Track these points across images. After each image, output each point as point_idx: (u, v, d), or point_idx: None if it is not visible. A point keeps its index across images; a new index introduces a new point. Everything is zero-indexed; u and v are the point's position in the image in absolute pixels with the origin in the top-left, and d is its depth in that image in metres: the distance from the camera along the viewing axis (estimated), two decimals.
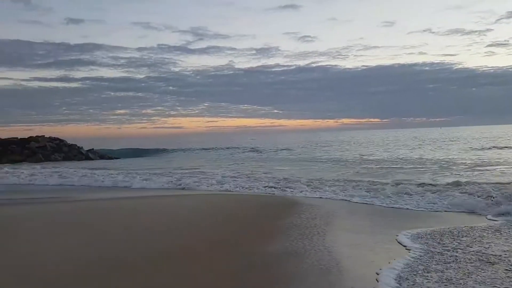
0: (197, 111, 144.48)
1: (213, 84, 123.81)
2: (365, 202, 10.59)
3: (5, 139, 38.67)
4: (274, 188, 13.65)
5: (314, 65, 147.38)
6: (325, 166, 22.55)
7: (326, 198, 11.50)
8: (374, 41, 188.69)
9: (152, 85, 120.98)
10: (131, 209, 10.04)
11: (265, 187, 13.98)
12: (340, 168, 20.70)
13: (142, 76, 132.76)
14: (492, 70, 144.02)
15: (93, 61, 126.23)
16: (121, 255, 5.65)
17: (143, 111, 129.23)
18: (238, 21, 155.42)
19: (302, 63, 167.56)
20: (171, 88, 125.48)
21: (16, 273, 4.90)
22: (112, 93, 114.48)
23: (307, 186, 13.52)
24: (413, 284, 4.42)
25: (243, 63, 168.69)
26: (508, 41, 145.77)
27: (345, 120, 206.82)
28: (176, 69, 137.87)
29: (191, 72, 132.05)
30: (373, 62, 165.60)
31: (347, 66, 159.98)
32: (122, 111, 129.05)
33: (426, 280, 4.53)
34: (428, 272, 4.80)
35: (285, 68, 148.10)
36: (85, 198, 12.50)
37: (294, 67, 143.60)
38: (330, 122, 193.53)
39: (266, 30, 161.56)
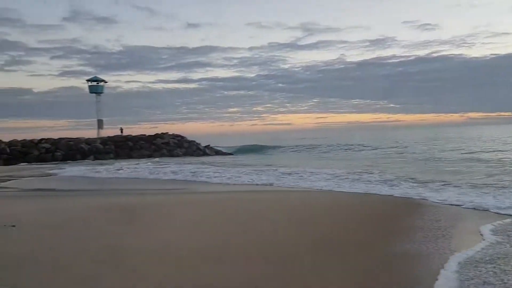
0: (306, 108, 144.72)
1: (322, 79, 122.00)
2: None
3: (135, 136, 43.18)
4: (392, 187, 12.69)
5: (435, 54, 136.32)
6: (458, 166, 18.32)
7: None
8: (503, 27, 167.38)
9: (262, 83, 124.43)
10: (250, 201, 10.25)
11: (378, 185, 13.07)
12: (479, 168, 16.93)
13: (253, 75, 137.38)
14: None
15: (209, 63, 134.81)
16: (247, 243, 5.73)
17: (254, 109, 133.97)
18: (351, 13, 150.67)
19: (421, 53, 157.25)
20: (280, 85, 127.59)
21: (154, 253, 5.25)
22: (226, 92, 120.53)
23: (424, 186, 12.05)
24: None
25: (355, 56, 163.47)
26: None
27: (472, 114, 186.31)
28: (286, 66, 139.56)
29: (300, 68, 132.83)
30: (503, 50, 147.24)
31: (474, 55, 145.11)
32: (234, 109, 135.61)
33: None
34: None
35: (403, 59, 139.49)
36: (208, 191, 13.19)
37: (413, 57, 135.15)
38: (455, 117, 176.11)
39: (382, 20, 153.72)
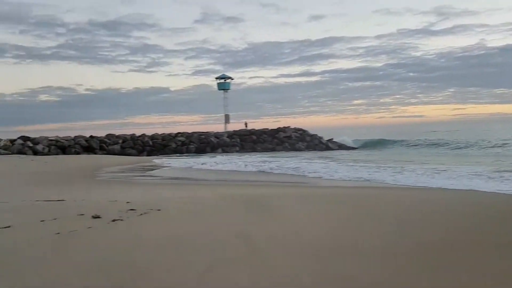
0: (441, 98, 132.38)
1: (460, 67, 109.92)
2: None
3: (259, 129, 44.73)
4: None
5: None
6: None
7: None
8: None
9: (391, 73, 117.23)
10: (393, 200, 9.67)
11: None
12: None
13: (380, 64, 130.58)
14: None
15: (332, 54, 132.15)
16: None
17: (381, 100, 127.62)
18: None
19: None
20: (411, 74, 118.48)
21: (286, 243, 5.21)
22: (350, 84, 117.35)
23: None
24: None
25: (498, 40, 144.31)
26: None
27: None
28: (417, 54, 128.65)
29: (434, 56, 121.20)
30: None
31: None
32: (359, 101, 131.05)
33: None
34: None
35: None
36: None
37: None
38: None
39: None
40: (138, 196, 9.96)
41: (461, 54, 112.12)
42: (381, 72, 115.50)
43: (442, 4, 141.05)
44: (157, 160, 29.55)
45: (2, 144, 37.78)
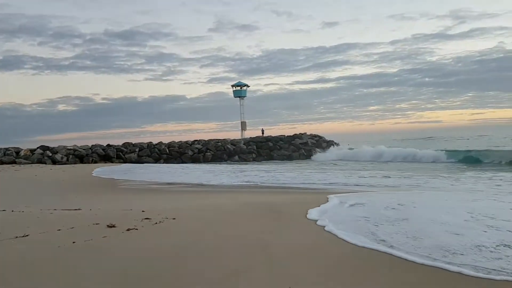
0: (458, 103, 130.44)
1: (478, 71, 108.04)
2: None
3: (275, 136, 44.66)
4: None
5: None
6: None
7: None
8: None
9: (406, 78, 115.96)
10: None
11: None
12: None
13: (395, 70, 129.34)
14: None
15: (347, 60, 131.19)
16: None
17: (397, 106, 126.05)
18: None
19: None
20: (427, 79, 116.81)
21: (302, 254, 5.09)
22: (365, 90, 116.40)
23: None
24: None
25: None
26: None
27: None
28: (433, 59, 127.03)
29: (450, 60, 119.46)
30: None
31: None
32: (374, 107, 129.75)
33: None
34: None
35: None
36: None
37: None
38: None
39: None
40: (153, 204, 9.97)
41: (478, 58, 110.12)
42: (396, 78, 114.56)
43: (459, 8, 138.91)
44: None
45: (22, 154, 38.60)
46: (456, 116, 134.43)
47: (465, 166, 23.98)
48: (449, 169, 22.25)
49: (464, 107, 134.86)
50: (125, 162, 38.93)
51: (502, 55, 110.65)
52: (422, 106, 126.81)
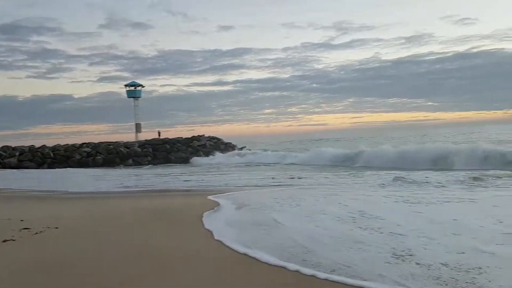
0: (341, 107, 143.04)
1: (357, 79, 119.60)
2: None
3: (172, 138, 43.95)
4: None
5: (475, 50, 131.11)
6: None
7: None
8: None
9: (297, 84, 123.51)
10: None
11: None
12: None
13: (287, 76, 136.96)
14: None
15: (243, 65, 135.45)
16: None
17: (289, 110, 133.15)
18: (385, 10, 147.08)
19: (461, 49, 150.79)
20: (314, 85, 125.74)
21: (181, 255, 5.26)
22: (260, 94, 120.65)
23: None
24: None
25: (391, 54, 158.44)
26: None
27: None
28: (320, 66, 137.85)
29: (334, 68, 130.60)
30: None
31: None
32: (269, 111, 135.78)
33: None
34: None
35: (441, 55, 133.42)
36: None
37: (451, 54, 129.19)
38: (498, 114, 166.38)
39: (417, 16, 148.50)
40: (33, 213, 9.25)
41: (358, 67, 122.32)
42: (288, 83, 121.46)
43: (341, 20, 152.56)
44: None
45: None
46: (339, 119, 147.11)
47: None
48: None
49: (345, 111, 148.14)
50: (3, 167, 34.96)
51: (377, 64, 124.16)
52: (311, 110, 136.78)
